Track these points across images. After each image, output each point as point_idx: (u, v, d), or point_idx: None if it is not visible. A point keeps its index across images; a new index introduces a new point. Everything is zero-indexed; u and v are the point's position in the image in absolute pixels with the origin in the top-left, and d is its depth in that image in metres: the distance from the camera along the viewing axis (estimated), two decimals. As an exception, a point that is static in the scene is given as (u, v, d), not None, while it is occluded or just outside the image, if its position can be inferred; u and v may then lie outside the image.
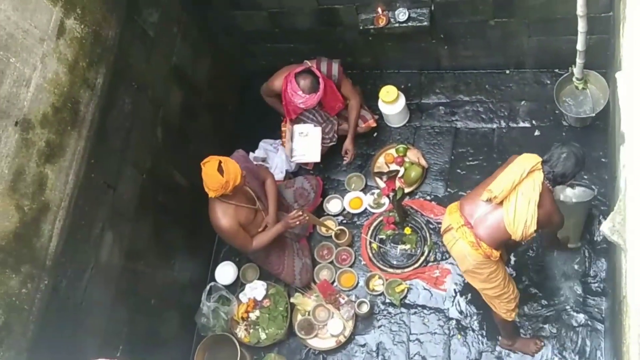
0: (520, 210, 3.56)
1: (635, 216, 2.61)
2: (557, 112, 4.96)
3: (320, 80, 4.67)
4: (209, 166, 4.10)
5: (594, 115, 4.63)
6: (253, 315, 4.84)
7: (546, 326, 4.47)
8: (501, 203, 3.62)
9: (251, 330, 4.83)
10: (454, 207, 3.86)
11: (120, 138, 4.08)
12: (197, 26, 4.94)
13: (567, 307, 4.48)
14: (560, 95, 4.75)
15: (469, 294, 4.66)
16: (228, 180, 4.07)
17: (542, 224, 3.62)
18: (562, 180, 3.65)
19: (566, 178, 3.65)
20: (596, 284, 4.48)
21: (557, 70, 5.03)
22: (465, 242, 3.71)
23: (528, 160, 3.63)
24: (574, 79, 4.63)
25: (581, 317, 4.44)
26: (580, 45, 4.21)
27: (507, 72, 5.22)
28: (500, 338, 4.49)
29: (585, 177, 4.69)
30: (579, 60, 4.38)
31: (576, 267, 4.56)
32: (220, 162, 4.10)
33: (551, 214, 3.65)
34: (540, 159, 3.63)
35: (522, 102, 5.12)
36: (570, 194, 4.34)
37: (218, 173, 4.05)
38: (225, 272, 5.11)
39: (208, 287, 4.91)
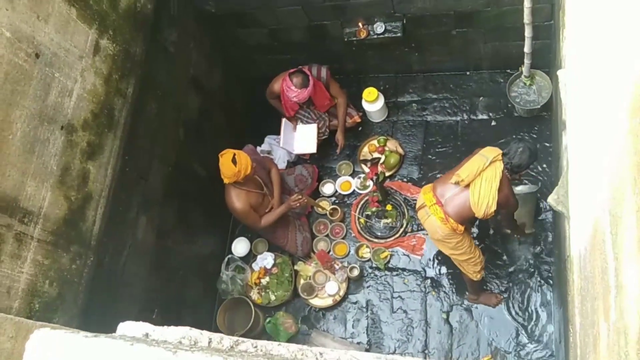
0: (484, 193, 3.58)
1: (575, 189, 2.63)
2: (509, 105, 4.96)
3: (310, 78, 4.67)
4: (225, 157, 4.10)
5: (539, 106, 4.63)
6: (264, 281, 4.86)
7: (505, 282, 4.51)
8: (467, 186, 3.64)
9: (263, 293, 4.84)
10: (428, 188, 3.87)
11: (149, 137, 4.06)
12: (210, 42, 4.91)
13: (523, 267, 4.51)
14: (511, 91, 4.74)
15: (441, 258, 4.68)
16: (240, 170, 4.07)
17: (501, 204, 3.64)
18: (518, 170, 3.65)
19: (521, 168, 3.65)
20: (545, 249, 4.51)
21: (508, 71, 5.01)
22: (436, 218, 3.73)
23: (490, 152, 3.66)
24: (522, 77, 4.61)
25: (534, 275, 4.47)
26: (527, 48, 4.19)
27: (468, 73, 5.20)
28: (467, 293, 4.52)
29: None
30: (527, 61, 4.36)
31: (530, 239, 4.58)
32: (234, 154, 4.09)
33: (508, 197, 3.66)
34: (500, 152, 3.64)
35: (481, 98, 5.12)
36: (520, 188, 4.34)
37: (232, 164, 4.06)
38: (240, 246, 5.11)
39: (226, 259, 4.92)
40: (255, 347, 1.21)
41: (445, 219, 3.69)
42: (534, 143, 3.78)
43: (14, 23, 2.85)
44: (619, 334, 1.42)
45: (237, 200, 4.30)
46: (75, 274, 3.27)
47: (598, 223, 1.81)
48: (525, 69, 4.47)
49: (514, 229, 4.28)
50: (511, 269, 4.53)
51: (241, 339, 1.28)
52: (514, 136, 4.74)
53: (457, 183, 3.65)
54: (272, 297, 4.80)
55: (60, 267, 3.16)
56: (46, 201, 3.08)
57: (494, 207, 3.61)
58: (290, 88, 4.66)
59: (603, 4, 1.82)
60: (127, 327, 1.43)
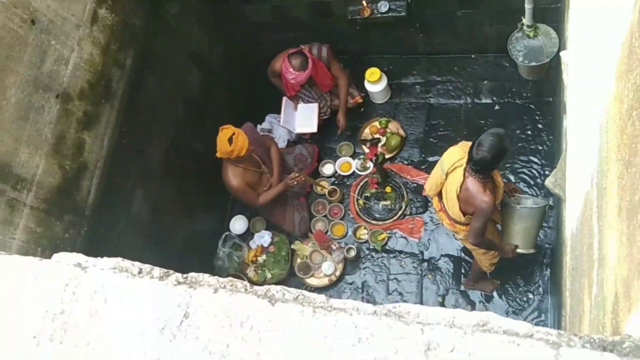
0: (450, 202, 3.47)
1: (572, 171, 2.59)
2: (514, 89, 4.90)
3: (310, 60, 4.62)
4: (224, 133, 4.08)
5: (546, 61, 3.87)
6: (261, 259, 4.85)
7: (501, 267, 4.45)
8: None
9: (259, 271, 4.84)
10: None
11: (147, 111, 4.05)
12: (212, 17, 4.87)
13: (520, 253, 4.45)
14: (513, 50, 4.01)
15: (439, 241, 4.66)
16: (233, 150, 4.06)
17: (466, 205, 3.37)
18: (484, 169, 3.19)
19: (488, 165, 3.18)
20: (544, 236, 4.46)
21: (514, 54, 4.95)
22: (446, 224, 3.69)
23: (449, 159, 3.41)
24: (524, 29, 3.93)
25: (531, 261, 4.43)
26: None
27: (473, 56, 5.11)
28: (464, 279, 4.49)
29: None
30: (528, 6, 3.72)
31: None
32: (233, 133, 4.07)
33: (469, 198, 3.32)
34: (460, 157, 3.34)
35: (485, 82, 5.03)
36: (524, 201, 3.74)
37: (227, 142, 4.04)
38: (238, 224, 5.10)
39: (223, 236, 4.92)
40: (185, 277, 1.23)
41: (452, 224, 3.63)
42: (506, 137, 3.22)
43: (10, -13, 2.83)
44: (598, 308, 1.40)
45: (234, 177, 4.29)
46: (68, 242, 3.28)
47: (588, 198, 1.78)
48: (527, 16, 3.82)
49: (483, 247, 3.64)
50: (507, 260, 4.48)
51: (171, 271, 1.31)
52: (485, 128, 4.00)
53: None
54: (268, 275, 4.80)
55: (53, 235, 3.17)
56: (40, 169, 3.07)
57: (461, 215, 3.44)
58: (288, 70, 4.61)
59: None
60: (61, 256, 1.47)
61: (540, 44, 3.91)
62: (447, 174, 3.42)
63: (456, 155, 3.41)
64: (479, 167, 3.18)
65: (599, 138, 1.54)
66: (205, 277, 1.20)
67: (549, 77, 4.33)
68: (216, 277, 1.22)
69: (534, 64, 3.92)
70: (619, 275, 1.10)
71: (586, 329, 1.68)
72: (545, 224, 4.32)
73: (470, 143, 3.26)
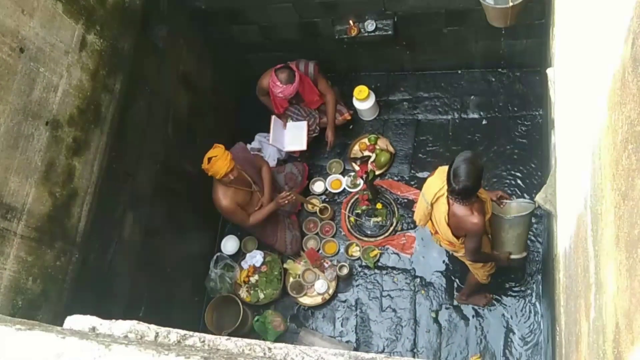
0: (442, 228, 3.50)
1: (562, 187, 2.62)
2: (500, 104, 4.96)
3: (296, 73, 4.64)
4: (210, 151, 4.15)
5: (510, 5, 3.45)
6: (253, 279, 4.83)
7: (494, 281, 4.47)
8: None
9: (252, 292, 4.81)
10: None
11: (137, 134, 4.03)
12: (201, 38, 4.88)
13: (513, 267, 4.46)
14: None
15: (431, 257, 4.67)
16: (208, 169, 4.12)
17: (457, 230, 3.41)
18: (470, 195, 3.20)
19: (473, 192, 3.20)
20: (535, 249, 4.49)
21: (500, 70, 5.02)
22: (444, 245, 3.71)
23: (430, 190, 3.43)
24: None
25: (524, 275, 4.46)
26: None
27: (459, 72, 5.17)
28: (457, 293, 4.50)
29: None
30: None
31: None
32: (215, 155, 4.08)
33: (459, 223, 3.35)
34: (440, 186, 3.35)
35: (472, 97, 5.09)
36: (513, 206, 3.80)
37: (206, 161, 4.11)
38: (229, 244, 5.08)
39: (215, 257, 4.90)
40: (203, 341, 1.19)
41: (450, 244, 3.65)
42: (477, 158, 3.21)
43: (-2, 17, 2.82)
44: (597, 332, 1.41)
45: (224, 197, 4.29)
46: (60, 270, 3.24)
47: (581, 220, 1.80)
48: None
49: (481, 261, 3.74)
50: (500, 269, 4.50)
51: (189, 333, 1.27)
52: (474, 143, 4.13)
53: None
54: (261, 296, 4.78)
55: (44, 264, 3.13)
56: (30, 197, 3.04)
57: (456, 239, 3.48)
58: (275, 84, 4.62)
59: (585, 2, 1.81)
60: (74, 320, 1.42)
61: None
62: (431, 205, 3.44)
63: (436, 185, 3.40)
64: (462, 195, 3.17)
65: (591, 163, 1.56)
66: (222, 341, 1.18)
67: (516, 28, 3.95)
68: (234, 340, 1.19)
69: (498, 6, 3.51)
70: (620, 305, 1.11)
71: (584, 350, 1.69)
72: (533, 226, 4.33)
73: (446, 168, 3.25)
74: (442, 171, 3.41)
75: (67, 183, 3.29)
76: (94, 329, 1.37)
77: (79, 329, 1.36)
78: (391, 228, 4.83)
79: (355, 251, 4.85)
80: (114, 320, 1.39)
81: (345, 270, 4.70)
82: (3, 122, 2.87)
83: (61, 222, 3.25)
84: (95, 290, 3.58)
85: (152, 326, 1.32)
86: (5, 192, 2.89)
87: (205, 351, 1.10)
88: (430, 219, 3.60)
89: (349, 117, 5.18)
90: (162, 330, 1.25)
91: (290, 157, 5.28)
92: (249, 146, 5.23)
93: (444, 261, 4.63)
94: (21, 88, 2.97)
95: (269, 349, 1.16)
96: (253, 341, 1.21)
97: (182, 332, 1.26)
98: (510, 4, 3.48)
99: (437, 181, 3.42)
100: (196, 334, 1.25)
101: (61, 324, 3.02)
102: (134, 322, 1.36)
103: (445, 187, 3.27)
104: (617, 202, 1.17)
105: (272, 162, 5.16)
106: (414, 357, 4.42)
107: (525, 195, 4.59)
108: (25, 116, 2.99)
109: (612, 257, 1.21)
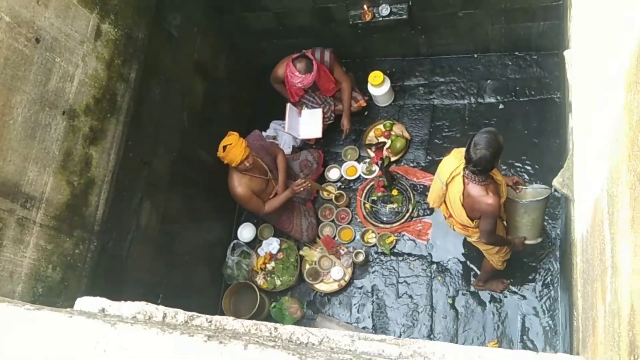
0: (455, 207, 3.47)
1: (579, 171, 2.58)
2: (517, 88, 4.89)
3: (314, 62, 4.62)
4: (225, 139, 4.17)
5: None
6: (269, 266, 4.86)
7: (511, 267, 4.44)
8: None
9: (268, 278, 4.85)
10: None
11: (152, 123, 4.05)
12: (215, 26, 4.87)
13: (530, 252, 4.43)
14: None
15: (447, 243, 4.65)
16: (224, 158, 4.15)
17: (472, 211, 3.37)
18: (486, 169, 3.16)
19: (489, 166, 3.14)
20: (553, 234, 4.45)
21: (517, 53, 4.94)
22: (457, 229, 3.68)
23: (446, 170, 3.38)
24: None
25: (541, 260, 4.42)
26: None
27: (475, 56, 5.11)
28: (474, 279, 4.48)
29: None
30: None
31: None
32: (231, 143, 4.10)
33: (474, 204, 3.31)
34: (456, 165, 3.31)
35: (488, 81, 5.03)
36: (528, 191, 3.78)
37: (222, 149, 4.13)
38: (246, 231, 5.11)
39: (232, 244, 4.93)
40: (210, 322, 1.21)
41: (463, 228, 3.61)
42: (499, 134, 3.14)
43: (14, 7, 2.84)
44: (613, 316, 1.39)
45: (239, 185, 4.30)
46: (79, 258, 3.29)
47: (598, 204, 1.77)
48: None
49: (496, 245, 3.68)
50: (516, 254, 4.47)
51: (196, 314, 1.28)
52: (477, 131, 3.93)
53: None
54: (278, 282, 4.81)
55: (63, 252, 3.18)
56: (48, 186, 3.09)
57: (470, 221, 3.45)
58: (294, 74, 4.61)
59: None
60: (84, 302, 1.44)
61: None
62: (446, 185, 3.41)
63: (452, 164, 3.37)
64: (479, 167, 3.12)
65: (608, 145, 1.54)
66: (229, 321, 1.19)
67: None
68: (241, 320, 1.20)
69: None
70: (635, 287, 1.09)
71: (600, 334, 1.68)
72: (550, 212, 4.27)
73: (462, 149, 3.23)
74: (458, 151, 3.40)
75: (84, 172, 3.33)
76: (103, 310, 1.40)
77: (89, 310, 1.39)
78: (407, 214, 4.81)
79: (371, 238, 4.85)
80: (122, 302, 1.42)
81: (361, 257, 4.71)
82: (21, 112, 2.90)
83: (79, 210, 3.30)
84: (113, 278, 3.63)
85: (161, 307, 1.35)
86: (24, 182, 2.93)
87: (211, 330, 1.12)
88: (445, 201, 3.57)
89: (364, 104, 5.16)
90: (170, 310, 1.27)
91: (305, 145, 5.27)
92: (264, 134, 5.23)
93: (460, 247, 4.61)
94: (38, 78, 3.00)
95: (275, 328, 1.17)
96: (259, 322, 1.22)
97: (190, 313, 1.28)
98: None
99: (453, 160, 3.39)
100: (204, 315, 1.26)
101: (81, 310, 3.08)
102: (143, 303, 1.40)
103: (461, 166, 3.25)
104: (633, 183, 1.15)
105: (288, 150, 5.16)
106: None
107: (541, 179, 4.53)
108: (42, 106, 3.03)
109: (627, 239, 1.20)
